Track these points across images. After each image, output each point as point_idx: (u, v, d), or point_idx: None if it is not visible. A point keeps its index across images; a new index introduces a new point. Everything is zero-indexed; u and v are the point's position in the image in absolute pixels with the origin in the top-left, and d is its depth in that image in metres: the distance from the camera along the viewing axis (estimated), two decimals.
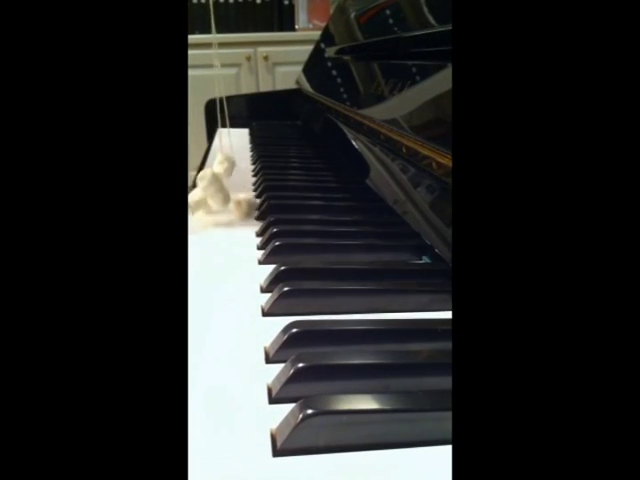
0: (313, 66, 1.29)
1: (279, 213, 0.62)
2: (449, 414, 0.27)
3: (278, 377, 0.33)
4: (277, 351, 0.36)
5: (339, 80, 1.00)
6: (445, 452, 0.28)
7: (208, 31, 2.31)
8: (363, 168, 0.72)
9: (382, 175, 0.64)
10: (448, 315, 0.41)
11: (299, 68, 1.38)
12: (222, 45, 2.30)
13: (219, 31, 2.35)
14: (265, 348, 0.37)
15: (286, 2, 2.44)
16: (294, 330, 0.36)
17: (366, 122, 0.71)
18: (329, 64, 1.11)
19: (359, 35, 0.95)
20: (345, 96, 0.91)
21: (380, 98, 0.71)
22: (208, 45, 2.37)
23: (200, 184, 0.64)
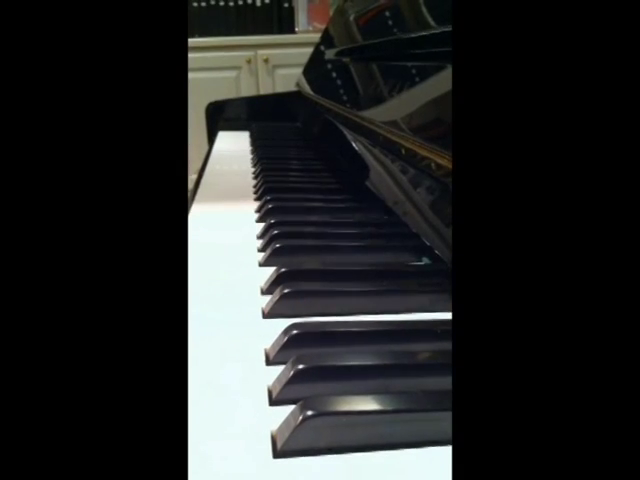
0: (313, 68, 1.29)
1: (280, 215, 0.62)
2: (449, 414, 0.27)
3: (278, 379, 0.33)
4: (277, 353, 0.36)
5: (339, 82, 1.01)
6: (446, 453, 0.28)
7: (208, 34, 2.32)
8: (363, 169, 0.72)
9: (382, 176, 0.64)
10: (448, 316, 0.41)
11: (299, 70, 1.38)
12: (222, 48, 2.30)
13: (219, 34, 2.35)
14: (265, 350, 0.37)
15: (286, 5, 2.44)
16: (294, 332, 0.36)
17: (366, 124, 0.71)
18: (329, 66, 1.11)
19: (358, 37, 0.95)
20: (345, 98, 0.91)
21: (380, 100, 0.71)
22: (208, 48, 2.38)
23: None
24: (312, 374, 0.32)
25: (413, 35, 0.67)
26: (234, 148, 1.15)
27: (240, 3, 2.42)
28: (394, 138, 0.59)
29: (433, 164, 0.48)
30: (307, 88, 1.25)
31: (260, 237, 0.59)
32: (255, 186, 0.81)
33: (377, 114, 0.69)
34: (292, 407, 0.29)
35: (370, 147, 0.69)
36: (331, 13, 1.76)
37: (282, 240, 0.53)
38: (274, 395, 0.32)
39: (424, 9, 0.65)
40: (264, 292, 0.46)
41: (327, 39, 1.20)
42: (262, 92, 2.31)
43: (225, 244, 0.58)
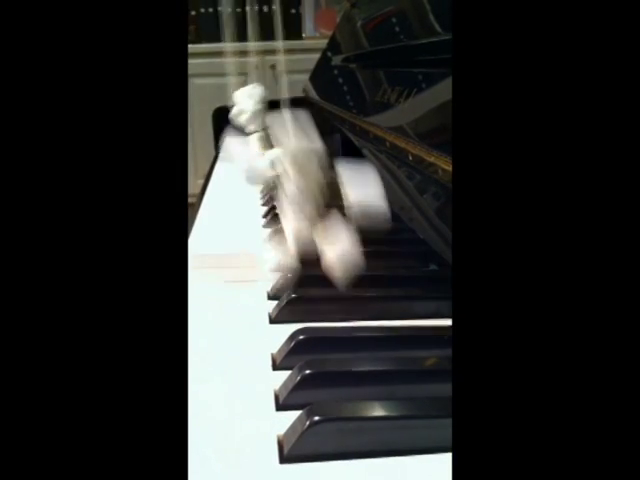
0: (320, 74, 1.29)
1: None
2: None
3: (285, 384, 0.33)
4: (284, 358, 0.36)
5: (345, 88, 1.01)
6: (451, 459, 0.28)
7: (215, 40, 2.33)
8: None
9: (388, 182, 0.64)
10: None
11: (306, 76, 1.38)
12: (229, 54, 2.31)
13: (225, 40, 2.36)
14: (272, 355, 0.37)
15: (293, 11, 2.45)
16: (301, 337, 0.36)
17: (372, 129, 0.71)
18: (336, 72, 1.12)
19: (365, 43, 0.95)
20: (351, 104, 0.91)
21: (386, 105, 0.71)
22: (217, 54, 2.37)
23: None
24: (319, 379, 0.32)
25: (419, 41, 0.67)
26: (241, 153, 1.15)
27: (247, 9, 2.42)
28: (400, 144, 0.59)
29: (439, 170, 0.48)
30: (314, 94, 1.25)
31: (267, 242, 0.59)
32: (262, 192, 0.81)
33: (384, 120, 0.69)
34: (299, 412, 0.29)
35: (376, 153, 0.69)
36: (338, 19, 1.76)
37: None
38: (281, 400, 0.32)
39: (430, 16, 0.65)
40: (271, 297, 0.46)
41: (334, 45, 1.20)
42: (269, 98, 2.32)
43: (231, 248, 0.58)
